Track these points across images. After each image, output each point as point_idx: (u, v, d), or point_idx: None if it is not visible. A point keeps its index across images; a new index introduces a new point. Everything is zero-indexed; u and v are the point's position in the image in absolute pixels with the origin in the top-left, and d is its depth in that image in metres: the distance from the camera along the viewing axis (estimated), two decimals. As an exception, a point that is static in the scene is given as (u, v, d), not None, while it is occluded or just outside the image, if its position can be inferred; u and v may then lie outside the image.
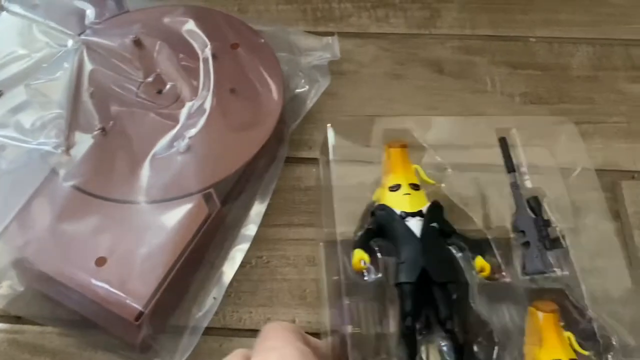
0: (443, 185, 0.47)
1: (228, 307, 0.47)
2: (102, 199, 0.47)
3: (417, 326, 0.41)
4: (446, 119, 0.52)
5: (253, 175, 0.51)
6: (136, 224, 0.46)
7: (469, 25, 0.63)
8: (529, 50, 0.61)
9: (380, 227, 0.44)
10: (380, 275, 0.42)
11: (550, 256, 0.45)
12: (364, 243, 0.43)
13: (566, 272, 0.44)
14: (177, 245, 0.45)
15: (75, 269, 0.44)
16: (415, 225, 0.42)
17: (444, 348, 0.41)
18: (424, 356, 0.41)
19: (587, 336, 0.41)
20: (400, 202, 0.44)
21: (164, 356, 0.43)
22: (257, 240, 0.50)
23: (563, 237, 0.46)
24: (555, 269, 0.44)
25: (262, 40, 0.55)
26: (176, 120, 0.51)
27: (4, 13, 0.58)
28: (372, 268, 0.42)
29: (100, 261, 0.44)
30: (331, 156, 0.47)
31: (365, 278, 0.42)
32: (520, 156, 0.49)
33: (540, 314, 0.40)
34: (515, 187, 0.47)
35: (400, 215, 0.43)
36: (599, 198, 0.48)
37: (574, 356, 0.38)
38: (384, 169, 0.47)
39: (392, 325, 0.41)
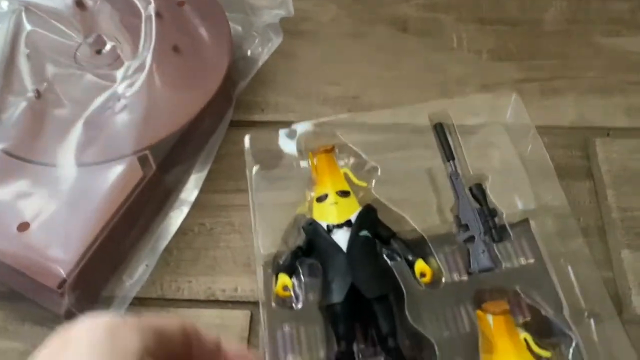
0: (373, 185, 0.44)
1: (166, 277, 0.44)
2: (30, 162, 0.44)
3: (356, 348, 0.37)
4: (376, 113, 0.49)
5: (196, 137, 0.47)
6: (64, 188, 0.43)
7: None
8: (499, 4, 0.57)
9: (310, 244, 0.40)
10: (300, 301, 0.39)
11: (510, 242, 0.41)
12: (287, 266, 0.40)
13: (531, 261, 0.41)
14: (106, 210, 0.42)
15: (-6, 234, 0.41)
16: (342, 237, 0.39)
17: None
18: None
19: (550, 333, 0.38)
20: (326, 214, 0.40)
21: (91, 327, 0.40)
22: (200, 207, 0.47)
23: (527, 220, 0.42)
24: (504, 263, 0.40)
25: (214, 6, 0.52)
26: (114, 81, 0.48)
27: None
28: (299, 293, 0.40)
29: (23, 226, 0.41)
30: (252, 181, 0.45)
31: (293, 304, 0.39)
32: (459, 140, 0.46)
33: (489, 317, 0.36)
34: (455, 176, 0.43)
35: (327, 228, 0.39)
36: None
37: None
38: (312, 177, 0.44)
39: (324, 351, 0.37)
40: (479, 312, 0.37)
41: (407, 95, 0.51)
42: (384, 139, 0.47)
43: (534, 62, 0.54)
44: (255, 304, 0.43)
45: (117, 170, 0.43)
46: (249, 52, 0.53)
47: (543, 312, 0.38)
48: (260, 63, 0.52)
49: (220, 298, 0.43)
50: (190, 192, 0.46)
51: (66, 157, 0.44)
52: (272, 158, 0.46)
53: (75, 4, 0.52)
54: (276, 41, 0.53)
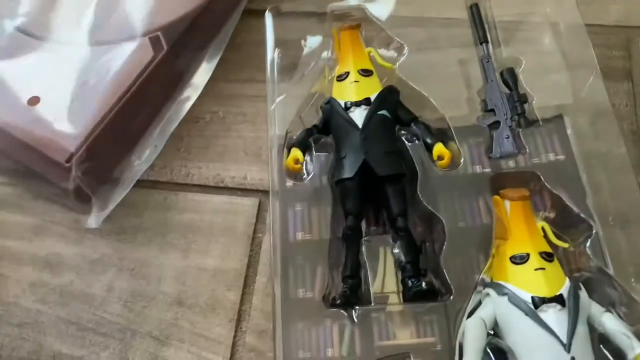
0: (397, 65, 0.41)
1: (176, 162, 0.44)
2: (43, 40, 0.43)
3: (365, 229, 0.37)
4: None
5: (209, 22, 0.46)
6: (76, 66, 0.42)
7: None
8: None
9: (325, 123, 0.39)
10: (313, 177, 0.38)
11: (541, 137, 0.38)
12: (300, 141, 0.38)
13: (561, 157, 0.39)
14: (116, 89, 0.41)
15: (7, 108, 0.41)
16: (359, 115, 0.37)
17: (395, 250, 0.36)
18: (380, 261, 0.36)
19: (570, 224, 0.36)
20: (346, 92, 0.38)
21: (98, 205, 0.40)
22: (213, 95, 0.45)
23: (561, 116, 0.40)
24: (533, 159, 0.37)
25: None
26: (129, -39, 0.46)
27: None
28: (311, 169, 0.38)
29: (33, 100, 0.41)
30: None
31: (304, 179, 0.38)
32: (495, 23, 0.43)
33: (507, 203, 0.34)
34: (486, 59, 0.40)
35: (345, 106, 0.38)
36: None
37: (547, 249, 0.33)
38: (336, 55, 0.42)
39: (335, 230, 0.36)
40: (496, 197, 0.35)
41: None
42: (414, 30, 0.44)
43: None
44: (263, 192, 0.42)
45: (128, 49, 0.42)
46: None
47: (566, 201, 0.35)
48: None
49: (230, 185, 0.43)
50: (202, 78, 0.44)
51: (79, 36, 0.43)
52: (292, 43, 0.44)
53: None
54: None
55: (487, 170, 0.38)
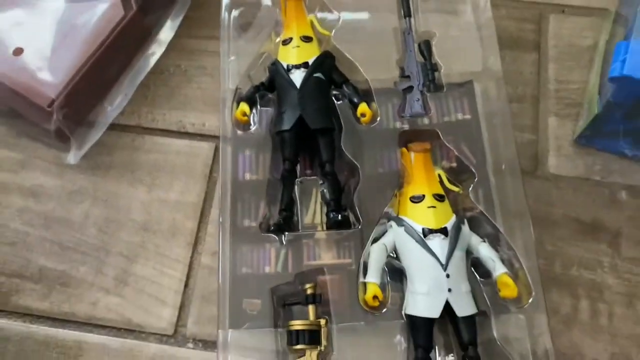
0: (333, 33, 0.47)
1: (144, 108, 0.50)
2: (25, -6, 0.49)
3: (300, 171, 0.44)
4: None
5: (174, -16, 0.51)
6: (54, 20, 0.48)
7: None
8: None
9: (271, 82, 0.45)
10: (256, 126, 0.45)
11: (453, 99, 0.46)
12: (248, 96, 0.45)
13: (467, 117, 0.46)
14: (91, 43, 0.47)
15: (-7, 57, 0.46)
16: (299, 76, 0.44)
17: (323, 189, 0.44)
18: (313, 199, 0.44)
19: (464, 172, 0.43)
20: (288, 55, 0.45)
21: (76, 144, 0.47)
22: (177, 50, 0.51)
23: (471, 82, 0.46)
24: (445, 117, 0.45)
25: None
26: None
27: None
28: (257, 121, 0.45)
29: (18, 51, 0.46)
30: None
31: (251, 129, 0.45)
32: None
33: (412, 154, 0.42)
34: (408, 32, 0.47)
35: (287, 68, 0.44)
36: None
37: (440, 191, 0.41)
38: (282, 21, 0.48)
39: (274, 173, 0.44)
40: (403, 149, 0.43)
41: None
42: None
43: None
44: (219, 137, 0.49)
45: (101, 8, 0.48)
46: None
47: (464, 160, 0.43)
48: None
49: (190, 130, 0.50)
50: (167, 34, 0.50)
51: (58, -9, 0.48)
52: (247, 5, 0.49)
53: None
54: None
55: (406, 126, 0.45)
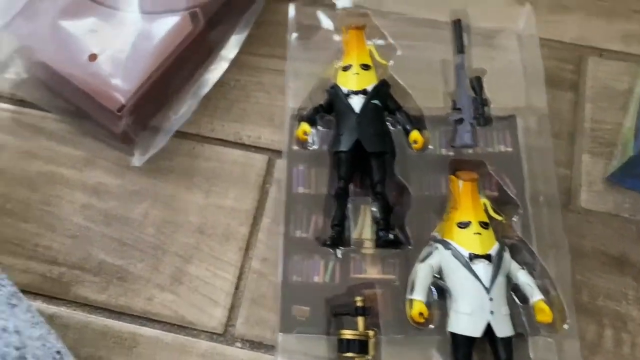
0: (391, 63, 0.51)
1: (204, 118, 0.53)
2: (101, 4, 0.51)
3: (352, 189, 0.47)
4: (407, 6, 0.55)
5: (240, 2, 0.54)
6: (128, 30, 0.51)
7: None
8: None
9: (329, 104, 0.49)
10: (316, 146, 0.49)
11: (496, 132, 0.49)
12: (309, 116, 0.49)
13: (509, 149, 0.49)
14: (160, 53, 0.50)
15: (70, 61, 0.49)
16: (357, 102, 0.47)
17: (373, 209, 0.47)
18: (361, 215, 0.47)
19: (507, 202, 0.47)
20: (348, 81, 0.48)
21: (141, 148, 0.50)
22: (238, 65, 0.55)
23: (514, 116, 0.50)
24: (488, 148, 0.48)
25: None
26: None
27: None
28: (315, 140, 0.49)
29: (92, 57, 0.49)
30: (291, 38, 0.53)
31: (309, 147, 0.49)
32: (471, 37, 0.52)
33: (460, 182, 0.46)
34: (461, 67, 0.50)
35: (346, 93, 0.48)
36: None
37: (485, 219, 0.44)
38: (342, 49, 0.51)
39: (329, 188, 0.47)
40: (451, 176, 0.46)
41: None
42: (408, 29, 0.53)
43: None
44: (273, 151, 0.52)
45: (171, 21, 0.51)
46: None
47: (507, 190, 0.47)
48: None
49: (246, 142, 0.53)
50: (230, 50, 0.53)
51: (132, 4, 0.51)
52: (310, 29, 0.53)
53: None
54: None
55: (451, 154, 0.49)
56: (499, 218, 0.45)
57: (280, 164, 0.50)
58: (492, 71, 0.51)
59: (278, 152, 0.52)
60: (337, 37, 0.53)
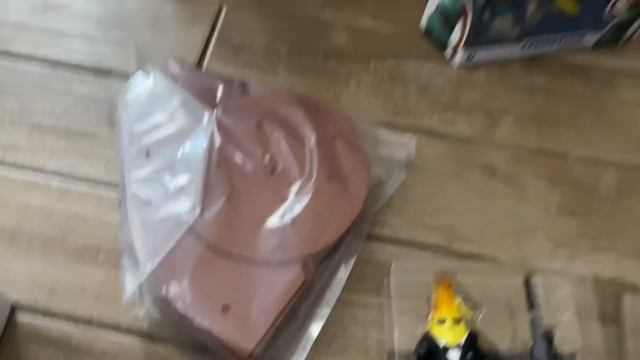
0: (480, 316, 0.62)
1: (309, 354, 0.61)
2: (229, 255, 0.61)
3: None
4: (481, 265, 0.67)
5: (341, 248, 0.65)
6: (251, 280, 0.60)
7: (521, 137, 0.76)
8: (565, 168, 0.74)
9: (429, 353, 0.59)
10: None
11: None
12: None
13: None
14: (281, 301, 0.59)
15: (206, 312, 0.58)
16: (455, 355, 0.58)
17: None
18: None
19: None
20: (444, 334, 0.59)
21: (262, 386, 0.58)
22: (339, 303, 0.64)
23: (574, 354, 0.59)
24: None
25: (358, 144, 0.69)
26: (285, 196, 0.65)
27: (150, 77, 0.72)
28: None
29: (226, 308, 0.58)
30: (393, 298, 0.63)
31: None
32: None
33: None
34: (535, 323, 0.61)
35: (444, 347, 0.58)
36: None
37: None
38: (434, 303, 0.62)
39: None
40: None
41: (492, 234, 0.68)
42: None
43: (589, 220, 0.71)
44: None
45: (289, 271, 0.60)
46: (377, 180, 0.70)
47: None
48: (387, 193, 0.69)
49: (334, 367, 0.61)
50: (333, 291, 0.63)
51: (253, 254, 0.61)
52: (408, 273, 0.63)
53: (256, 126, 0.68)
54: (401, 175, 0.70)
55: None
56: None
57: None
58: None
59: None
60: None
